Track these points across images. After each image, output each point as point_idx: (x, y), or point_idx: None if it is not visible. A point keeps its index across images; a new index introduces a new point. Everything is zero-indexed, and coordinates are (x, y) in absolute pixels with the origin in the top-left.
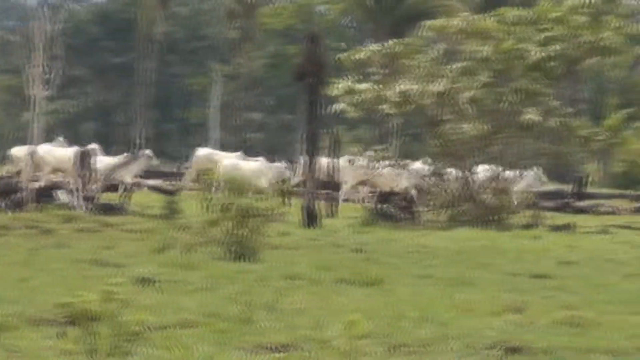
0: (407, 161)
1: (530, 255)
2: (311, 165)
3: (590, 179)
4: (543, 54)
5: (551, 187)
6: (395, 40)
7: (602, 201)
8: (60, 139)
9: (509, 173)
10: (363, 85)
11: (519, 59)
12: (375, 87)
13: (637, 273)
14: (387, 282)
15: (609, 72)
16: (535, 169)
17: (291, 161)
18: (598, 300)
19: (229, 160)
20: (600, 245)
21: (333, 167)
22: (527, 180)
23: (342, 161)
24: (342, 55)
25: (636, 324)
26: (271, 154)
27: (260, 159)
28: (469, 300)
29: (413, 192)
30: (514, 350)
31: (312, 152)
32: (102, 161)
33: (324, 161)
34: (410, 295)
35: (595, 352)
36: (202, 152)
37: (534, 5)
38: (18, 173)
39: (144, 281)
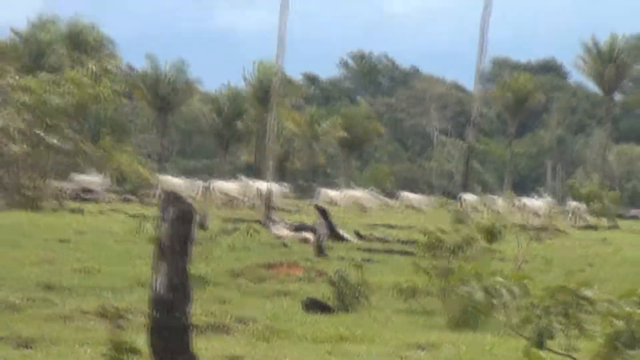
0: None
1: (56, 228)
2: None
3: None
4: (59, 102)
5: None
6: None
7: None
8: None
9: None
10: None
11: (47, 104)
12: None
13: (123, 239)
14: None
15: (102, 113)
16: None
17: None
18: (101, 256)
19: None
20: (101, 222)
21: None
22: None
23: None
24: None
25: (127, 273)
26: None
27: None
28: (18, 256)
29: None
30: (49, 287)
31: None
32: None
33: None
34: None
35: (101, 289)
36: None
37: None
38: None
39: None
